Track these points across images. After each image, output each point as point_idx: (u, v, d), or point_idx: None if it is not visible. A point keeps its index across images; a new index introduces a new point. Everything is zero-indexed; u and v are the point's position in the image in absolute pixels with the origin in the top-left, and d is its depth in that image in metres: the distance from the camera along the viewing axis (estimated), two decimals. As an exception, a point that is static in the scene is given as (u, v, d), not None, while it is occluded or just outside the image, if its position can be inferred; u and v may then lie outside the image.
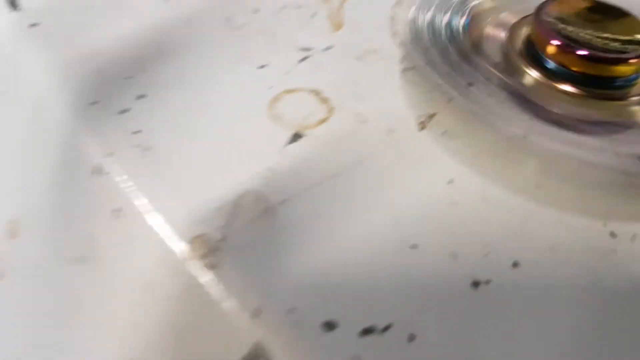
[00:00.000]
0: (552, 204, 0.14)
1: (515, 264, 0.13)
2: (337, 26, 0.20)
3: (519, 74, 0.17)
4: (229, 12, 0.20)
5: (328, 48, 0.19)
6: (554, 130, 0.16)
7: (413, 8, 0.20)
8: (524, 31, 0.18)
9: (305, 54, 0.18)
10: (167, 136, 0.15)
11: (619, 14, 0.17)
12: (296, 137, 0.16)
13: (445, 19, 0.19)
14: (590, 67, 0.16)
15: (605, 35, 0.16)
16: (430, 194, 0.14)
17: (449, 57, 0.18)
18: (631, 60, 0.16)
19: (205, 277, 0.12)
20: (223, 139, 0.15)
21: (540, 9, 0.17)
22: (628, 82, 0.16)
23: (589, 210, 0.14)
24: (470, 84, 0.17)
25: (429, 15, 0.19)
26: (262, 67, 0.18)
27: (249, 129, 0.16)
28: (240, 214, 0.13)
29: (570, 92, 0.16)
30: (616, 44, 0.16)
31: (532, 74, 0.17)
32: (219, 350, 0.12)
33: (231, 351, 0.11)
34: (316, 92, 0.17)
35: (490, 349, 0.11)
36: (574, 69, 0.16)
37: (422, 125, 0.16)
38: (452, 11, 0.19)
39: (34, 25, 0.19)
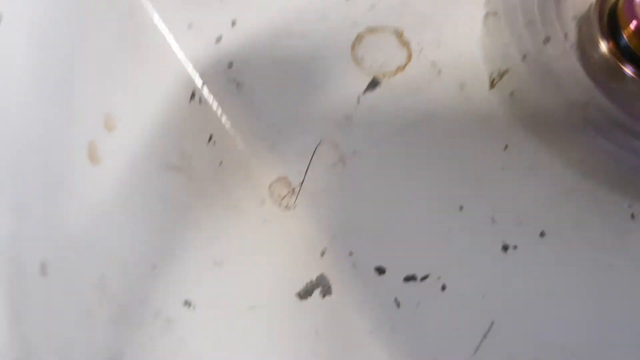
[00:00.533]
0: (589, 180, 0.16)
1: (542, 234, 0.15)
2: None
3: (593, 41, 0.17)
4: None
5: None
6: (611, 108, 0.16)
7: None
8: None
9: (393, -20, 0.19)
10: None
11: None
12: (373, 84, 0.17)
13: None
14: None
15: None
16: (485, 158, 0.16)
17: (534, 2, 0.18)
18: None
19: (284, 216, 0.15)
20: (309, 82, 0.17)
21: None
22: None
23: (619, 189, 0.16)
24: (547, 40, 0.18)
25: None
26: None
27: (332, 71, 0.17)
28: (316, 162, 0.16)
29: (630, 75, 0.16)
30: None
31: (604, 46, 0.17)
32: (291, 276, 0.16)
33: (301, 278, 0.15)
34: (398, 33, 0.18)
35: (506, 302, 0.15)
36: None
37: (493, 83, 0.17)
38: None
39: None
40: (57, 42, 0.22)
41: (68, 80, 0.22)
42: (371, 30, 0.18)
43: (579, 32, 0.18)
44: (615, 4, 0.17)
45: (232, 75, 0.17)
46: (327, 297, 0.15)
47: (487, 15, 0.18)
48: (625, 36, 0.17)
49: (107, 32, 0.20)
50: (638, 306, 0.15)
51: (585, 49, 0.18)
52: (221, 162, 0.18)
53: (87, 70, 0.22)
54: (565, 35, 0.18)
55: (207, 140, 0.18)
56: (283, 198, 0.16)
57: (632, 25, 0.16)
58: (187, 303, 0.18)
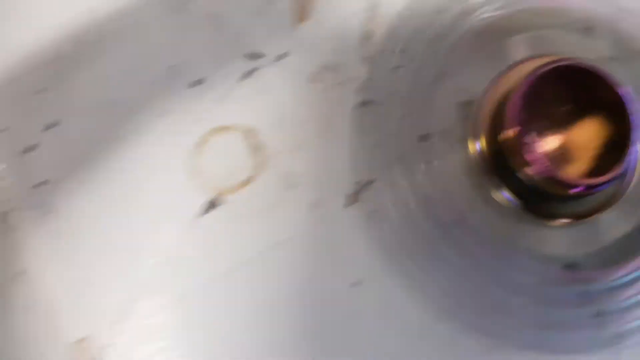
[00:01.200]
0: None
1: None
2: (301, 16, 0.16)
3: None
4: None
5: (281, 57, 0.16)
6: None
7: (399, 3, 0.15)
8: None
9: (252, 64, 0.16)
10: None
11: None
12: (213, 204, 0.15)
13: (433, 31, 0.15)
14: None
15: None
16: (335, 300, 0.14)
17: (415, 90, 0.15)
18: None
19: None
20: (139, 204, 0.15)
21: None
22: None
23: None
24: (423, 138, 0.15)
25: (413, 23, 0.15)
26: (198, 83, 0.16)
27: (165, 187, 0.15)
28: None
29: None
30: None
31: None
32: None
33: None
34: (250, 132, 0.15)
35: None
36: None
37: (353, 199, 0.15)
38: (443, 26, 0.15)
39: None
40: None
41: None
42: (220, 129, 0.15)
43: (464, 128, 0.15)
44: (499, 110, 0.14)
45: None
46: None
47: (360, 105, 0.15)
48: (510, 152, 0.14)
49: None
50: None
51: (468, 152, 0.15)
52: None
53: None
54: (445, 133, 0.15)
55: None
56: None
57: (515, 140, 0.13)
58: None
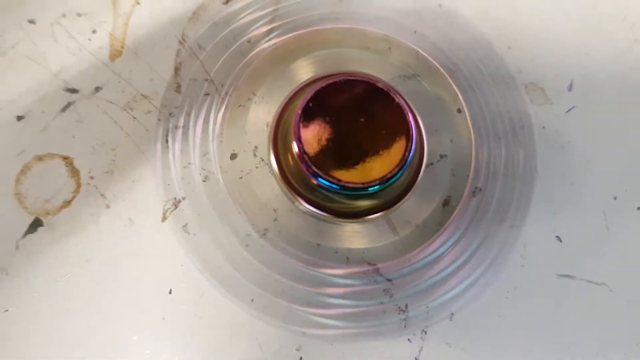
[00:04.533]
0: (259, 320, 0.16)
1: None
2: (117, 51, 0.18)
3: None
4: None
5: (98, 89, 0.18)
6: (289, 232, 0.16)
7: (208, 33, 0.18)
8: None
9: (69, 98, 0.18)
10: None
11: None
12: (35, 225, 0.17)
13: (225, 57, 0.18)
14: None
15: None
16: (148, 305, 0.16)
17: (217, 114, 0.18)
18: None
19: None
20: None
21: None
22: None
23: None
24: (232, 156, 0.17)
25: (215, 50, 0.18)
26: (20, 118, 0.18)
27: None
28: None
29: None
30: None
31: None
32: None
33: None
34: (69, 160, 0.17)
35: None
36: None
37: (165, 215, 0.17)
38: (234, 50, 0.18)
39: None
40: None
41: None
42: (40, 157, 0.17)
43: (268, 147, 0.18)
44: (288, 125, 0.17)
45: None
46: None
47: (170, 130, 0.18)
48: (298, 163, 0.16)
49: None
50: None
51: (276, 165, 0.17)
52: None
53: None
54: (254, 150, 0.18)
55: None
56: None
57: (298, 153, 0.16)
58: None
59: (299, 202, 0.17)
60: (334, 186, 0.16)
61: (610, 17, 0.19)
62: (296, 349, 0.16)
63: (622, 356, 0.17)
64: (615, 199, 0.18)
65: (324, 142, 0.16)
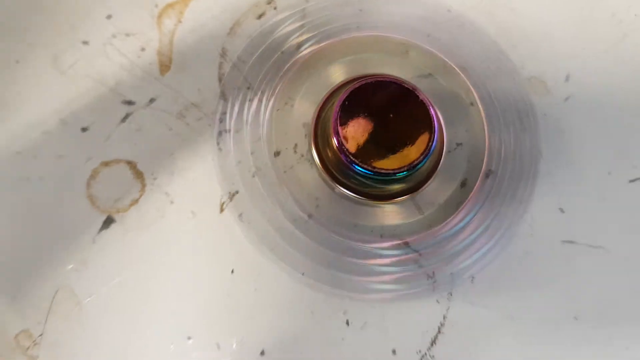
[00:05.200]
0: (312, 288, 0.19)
1: (262, 352, 0.18)
2: (165, 67, 0.21)
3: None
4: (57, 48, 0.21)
5: (152, 100, 0.20)
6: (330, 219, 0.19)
7: (247, 46, 0.21)
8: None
9: (127, 109, 0.20)
10: None
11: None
12: (108, 222, 0.19)
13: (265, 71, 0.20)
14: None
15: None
16: (215, 284, 0.19)
17: (263, 117, 0.20)
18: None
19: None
20: (45, 230, 0.19)
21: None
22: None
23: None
24: (276, 154, 0.20)
25: (255, 60, 0.21)
26: (85, 129, 0.20)
27: (66, 212, 0.19)
28: (55, 310, 0.18)
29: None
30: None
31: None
32: None
33: None
34: (132, 164, 0.20)
35: None
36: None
37: (222, 207, 0.19)
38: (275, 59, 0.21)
39: None
40: None
41: None
42: (106, 163, 0.20)
43: (308, 143, 0.20)
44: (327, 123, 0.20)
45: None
46: None
47: (220, 134, 0.20)
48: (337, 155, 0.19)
49: None
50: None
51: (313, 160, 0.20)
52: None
53: None
54: (295, 147, 0.20)
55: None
56: (27, 349, 0.18)
57: (337, 146, 0.19)
58: None
59: (338, 188, 0.20)
60: (369, 172, 0.18)
61: (600, 15, 0.22)
62: (342, 313, 0.19)
63: (616, 302, 0.20)
64: (609, 174, 0.21)
65: (359, 135, 0.19)
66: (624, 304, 0.20)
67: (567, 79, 0.22)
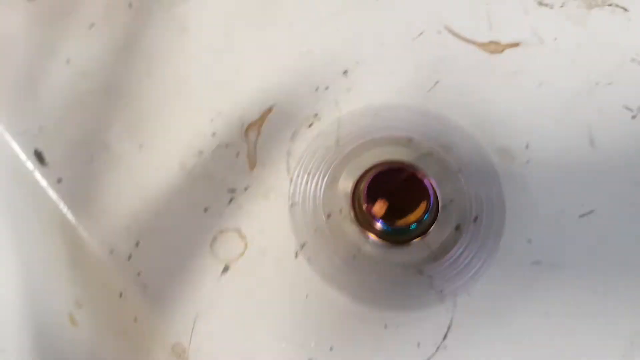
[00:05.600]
0: (357, 303, 0.29)
1: (331, 348, 0.28)
2: (253, 164, 0.32)
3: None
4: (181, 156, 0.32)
5: (246, 188, 0.32)
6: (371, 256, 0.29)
7: (304, 146, 0.32)
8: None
9: (231, 195, 0.31)
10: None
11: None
12: (225, 269, 0.30)
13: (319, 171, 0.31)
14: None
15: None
16: (292, 306, 0.29)
17: (318, 192, 0.31)
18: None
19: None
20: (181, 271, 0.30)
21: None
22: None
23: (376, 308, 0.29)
24: (328, 216, 0.30)
25: (309, 156, 0.31)
26: (206, 210, 0.31)
27: (196, 264, 0.30)
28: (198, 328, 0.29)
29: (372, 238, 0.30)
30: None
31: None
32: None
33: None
34: (238, 231, 0.31)
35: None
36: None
37: (296, 254, 0.30)
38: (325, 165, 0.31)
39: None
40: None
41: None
42: (221, 231, 0.31)
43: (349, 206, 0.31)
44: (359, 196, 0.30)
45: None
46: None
47: (292, 205, 0.31)
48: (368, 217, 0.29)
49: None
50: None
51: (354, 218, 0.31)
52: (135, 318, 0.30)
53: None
54: (340, 211, 0.31)
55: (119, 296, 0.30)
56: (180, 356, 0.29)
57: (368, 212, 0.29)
58: None
59: (372, 238, 0.30)
60: (389, 227, 0.29)
61: (555, 96, 0.32)
62: (381, 320, 0.29)
63: (575, 302, 0.29)
64: (562, 211, 0.30)
65: (381, 205, 0.29)
66: (579, 302, 0.29)
67: (527, 147, 0.31)
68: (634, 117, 0.33)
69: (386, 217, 0.29)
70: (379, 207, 0.29)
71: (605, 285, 0.29)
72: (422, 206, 0.29)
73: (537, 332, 0.29)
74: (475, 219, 0.31)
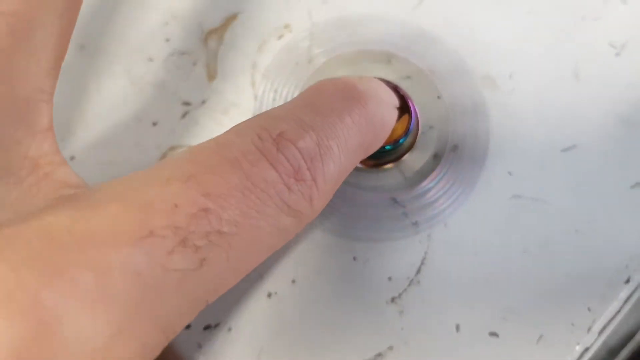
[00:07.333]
0: (328, 235, 0.26)
1: (293, 281, 0.25)
2: (212, 76, 0.29)
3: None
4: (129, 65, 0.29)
5: (204, 102, 0.28)
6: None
7: (271, 59, 0.28)
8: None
9: (186, 109, 0.28)
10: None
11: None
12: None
13: (289, 79, 0.28)
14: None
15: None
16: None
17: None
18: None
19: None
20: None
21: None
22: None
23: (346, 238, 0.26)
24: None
25: (278, 70, 0.28)
26: (155, 124, 0.28)
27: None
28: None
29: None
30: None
31: None
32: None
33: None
34: (192, 148, 0.27)
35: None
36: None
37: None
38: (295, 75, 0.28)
39: None
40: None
41: None
42: (172, 148, 0.27)
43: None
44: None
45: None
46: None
47: (255, 124, 0.28)
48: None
49: None
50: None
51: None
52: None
53: None
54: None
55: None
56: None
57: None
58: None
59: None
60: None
61: (542, 26, 0.30)
62: (350, 252, 0.26)
63: (551, 235, 0.27)
64: (546, 145, 0.29)
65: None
66: (559, 240, 0.28)
67: (510, 76, 0.30)
68: (617, 54, 0.31)
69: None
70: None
71: (586, 222, 0.28)
72: (403, 122, 0.27)
73: (515, 271, 0.27)
74: (455, 147, 0.28)
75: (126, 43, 0.29)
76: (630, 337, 0.42)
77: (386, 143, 0.26)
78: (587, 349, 0.27)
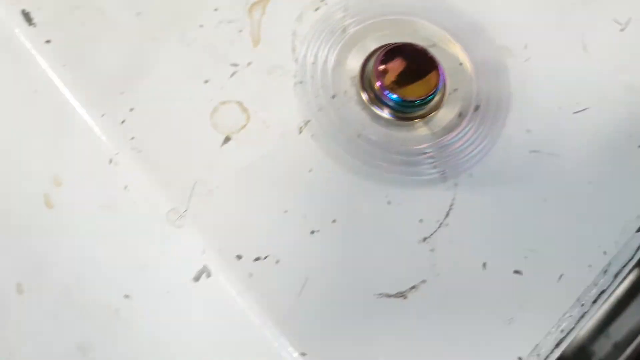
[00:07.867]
0: (362, 181, 0.29)
1: (334, 220, 0.28)
2: (257, 42, 0.31)
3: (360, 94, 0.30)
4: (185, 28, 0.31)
5: (250, 63, 0.31)
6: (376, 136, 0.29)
7: (309, 28, 0.31)
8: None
9: (234, 69, 0.31)
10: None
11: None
12: (227, 140, 0.29)
13: (325, 45, 0.31)
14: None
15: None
16: (297, 179, 0.29)
17: (324, 73, 0.31)
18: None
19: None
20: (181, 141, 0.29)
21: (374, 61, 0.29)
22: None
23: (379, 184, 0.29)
24: (333, 96, 0.30)
25: (316, 37, 0.31)
26: (206, 81, 0.30)
27: (196, 133, 0.29)
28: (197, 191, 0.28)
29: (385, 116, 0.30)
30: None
31: (365, 97, 0.30)
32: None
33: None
34: (240, 103, 0.30)
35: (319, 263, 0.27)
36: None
37: (300, 130, 0.30)
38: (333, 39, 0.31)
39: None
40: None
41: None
42: (222, 102, 0.30)
43: (355, 89, 0.31)
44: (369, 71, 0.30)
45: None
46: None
47: (296, 84, 0.31)
48: (376, 90, 0.29)
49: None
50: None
51: (359, 99, 0.31)
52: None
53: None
54: (345, 92, 0.31)
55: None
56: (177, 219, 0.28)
57: (378, 84, 0.29)
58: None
59: (376, 115, 0.30)
60: (398, 99, 0.29)
61: (546, 3, 0.33)
62: (385, 196, 0.29)
63: (565, 181, 0.30)
64: (559, 108, 0.32)
65: (391, 77, 0.29)
66: (575, 191, 0.30)
67: (525, 46, 0.33)
68: (622, 30, 0.35)
69: (394, 88, 0.29)
70: (388, 77, 0.29)
71: (599, 176, 0.31)
72: (431, 84, 0.29)
73: (536, 216, 0.30)
74: (477, 107, 0.31)
75: (179, 11, 0.32)
76: (636, 334, 0.44)
77: (417, 98, 0.29)
78: (603, 291, 0.30)
